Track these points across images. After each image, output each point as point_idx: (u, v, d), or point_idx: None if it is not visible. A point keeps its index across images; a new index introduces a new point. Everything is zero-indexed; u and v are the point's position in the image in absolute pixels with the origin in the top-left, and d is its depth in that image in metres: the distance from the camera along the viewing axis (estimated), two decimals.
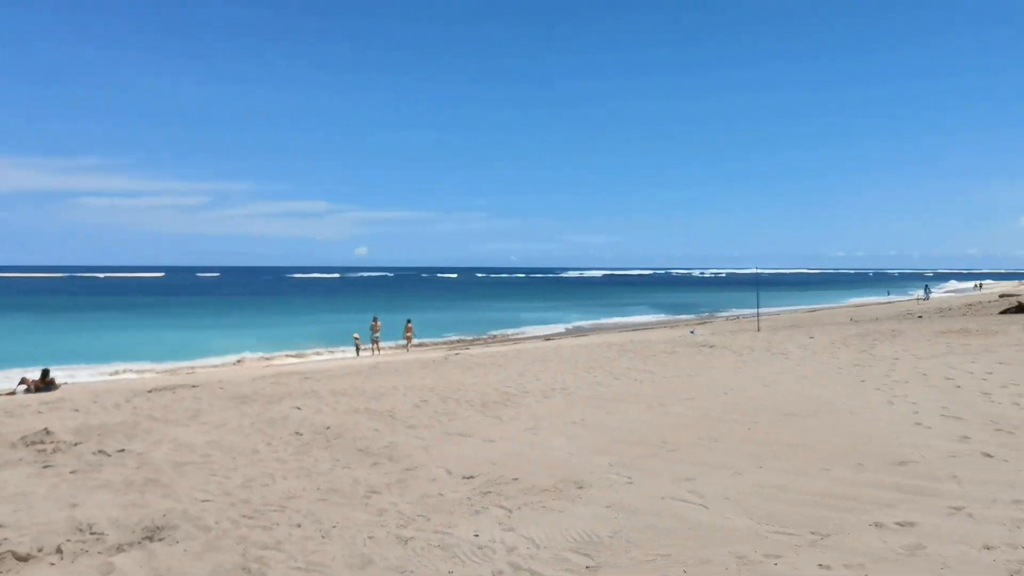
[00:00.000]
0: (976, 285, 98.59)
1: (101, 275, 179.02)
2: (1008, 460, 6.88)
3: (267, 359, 29.18)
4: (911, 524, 5.25)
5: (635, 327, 44.04)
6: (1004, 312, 30.02)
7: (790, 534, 5.14)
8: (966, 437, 7.81)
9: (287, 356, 30.35)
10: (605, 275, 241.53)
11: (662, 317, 53.98)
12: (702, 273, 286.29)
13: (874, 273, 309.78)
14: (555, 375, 13.25)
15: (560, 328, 45.23)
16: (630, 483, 6.41)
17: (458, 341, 36.93)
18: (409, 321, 33.85)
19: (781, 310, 57.39)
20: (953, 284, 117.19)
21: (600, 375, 12.99)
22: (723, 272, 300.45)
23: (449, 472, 6.96)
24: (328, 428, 9.04)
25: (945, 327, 21.62)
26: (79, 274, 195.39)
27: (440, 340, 37.46)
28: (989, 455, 7.08)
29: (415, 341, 33.97)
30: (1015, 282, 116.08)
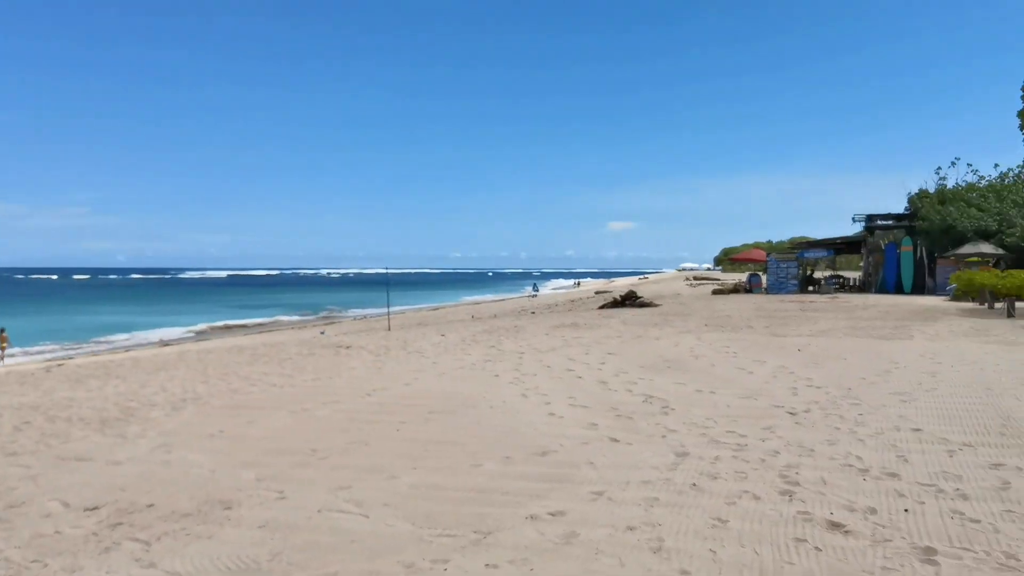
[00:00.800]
0: (575, 283, 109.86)
1: None
2: (632, 444, 7.54)
3: None
4: (562, 513, 5.47)
5: (264, 329, 42.53)
6: (602, 307, 33.74)
7: (453, 535, 5.09)
8: (594, 424, 8.45)
9: None
10: (230, 275, 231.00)
11: (292, 318, 52.75)
12: (329, 273, 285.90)
13: (493, 273, 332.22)
14: (184, 384, 12.15)
15: (181, 332, 42.21)
16: (283, 498, 5.97)
17: (62, 350, 32.81)
18: (3, 330, 29.49)
19: (407, 308, 59.08)
20: (557, 282, 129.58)
21: (235, 382, 12.16)
22: (351, 272, 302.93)
23: (66, 505, 5.94)
24: None
25: (558, 322, 23.66)
26: None
27: (38, 349, 33.00)
28: (616, 440, 7.71)
29: (10, 351, 29.67)
30: (604, 280, 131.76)
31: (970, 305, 29.31)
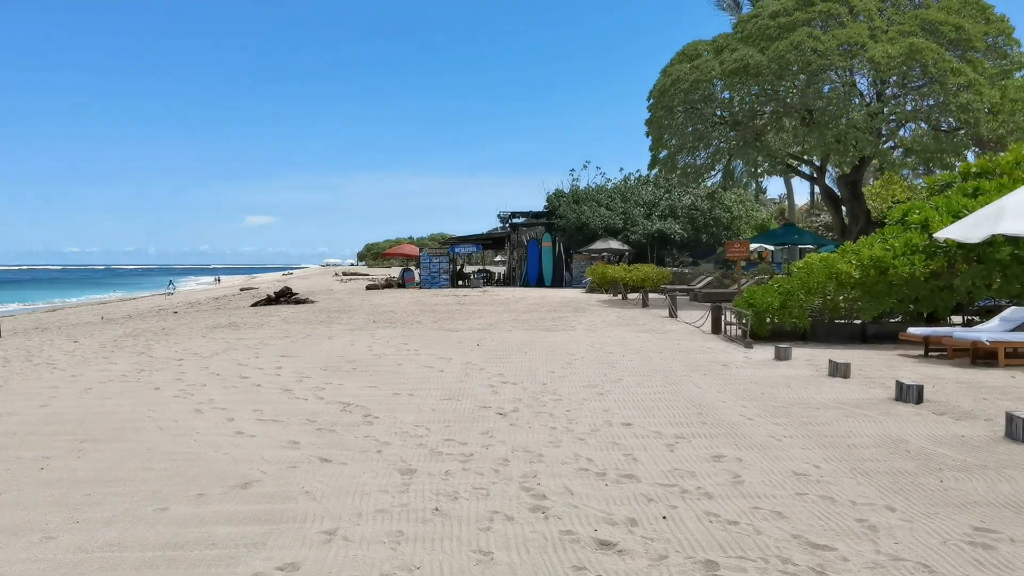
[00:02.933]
0: (216, 280, 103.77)
1: None
2: (347, 463, 6.58)
3: None
4: (293, 566, 4.38)
5: None
6: (256, 304, 31.70)
7: None
8: (294, 442, 7.33)
9: None
10: None
11: None
12: None
13: (106, 269, 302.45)
14: None
15: None
16: None
17: None
18: None
19: (16, 310, 51.31)
20: (194, 280, 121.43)
21: None
22: None
23: None
24: None
25: (212, 323, 21.57)
26: None
27: None
28: (327, 460, 6.69)
29: None
30: (245, 277, 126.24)
31: (606, 296, 31.92)
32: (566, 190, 45.07)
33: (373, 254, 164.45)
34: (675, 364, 12.28)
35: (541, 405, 9.00)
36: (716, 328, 17.04)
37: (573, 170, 50.29)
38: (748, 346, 14.35)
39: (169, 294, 63.50)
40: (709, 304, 26.11)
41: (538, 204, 48.67)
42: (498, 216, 45.79)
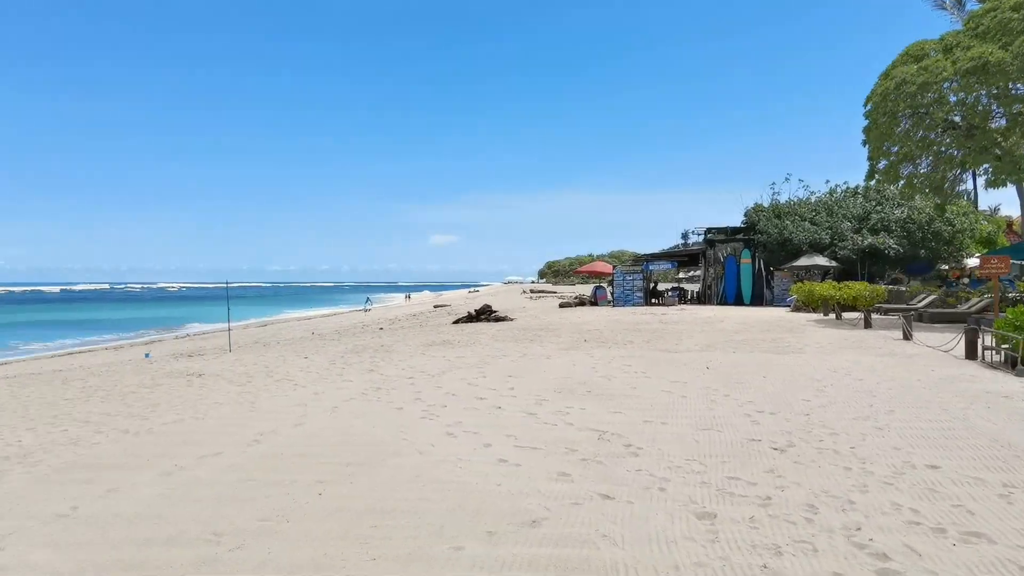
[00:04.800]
0: (406, 297, 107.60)
1: None
2: (632, 502, 6.02)
3: None
4: None
5: (74, 350, 37.85)
6: (457, 322, 32.18)
7: None
8: (564, 474, 6.87)
9: None
10: (7, 291, 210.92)
11: (108, 337, 47.59)
12: (125, 288, 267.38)
13: (303, 286, 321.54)
14: (1, 433, 9.48)
15: None
16: None
17: None
18: None
19: (233, 324, 55.05)
20: (384, 296, 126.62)
21: (72, 427, 9.59)
22: (173, 286, 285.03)
23: None
24: None
25: (426, 340, 21.86)
26: None
27: None
28: (608, 496, 6.16)
29: None
30: (433, 293, 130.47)
31: (815, 316, 30.03)
32: (765, 204, 43.15)
33: (554, 271, 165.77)
34: (944, 394, 10.96)
35: (817, 440, 8.11)
36: (971, 353, 15.33)
37: (774, 183, 48.18)
38: (1020, 374, 12.74)
39: (367, 310, 66.15)
40: (939, 325, 24.03)
41: (724, 219, 46.89)
42: (690, 232, 44.49)
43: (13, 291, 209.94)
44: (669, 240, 45.17)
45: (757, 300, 40.27)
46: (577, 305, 43.09)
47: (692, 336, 21.24)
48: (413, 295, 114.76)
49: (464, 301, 71.42)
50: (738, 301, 40.58)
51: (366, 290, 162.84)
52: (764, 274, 40.51)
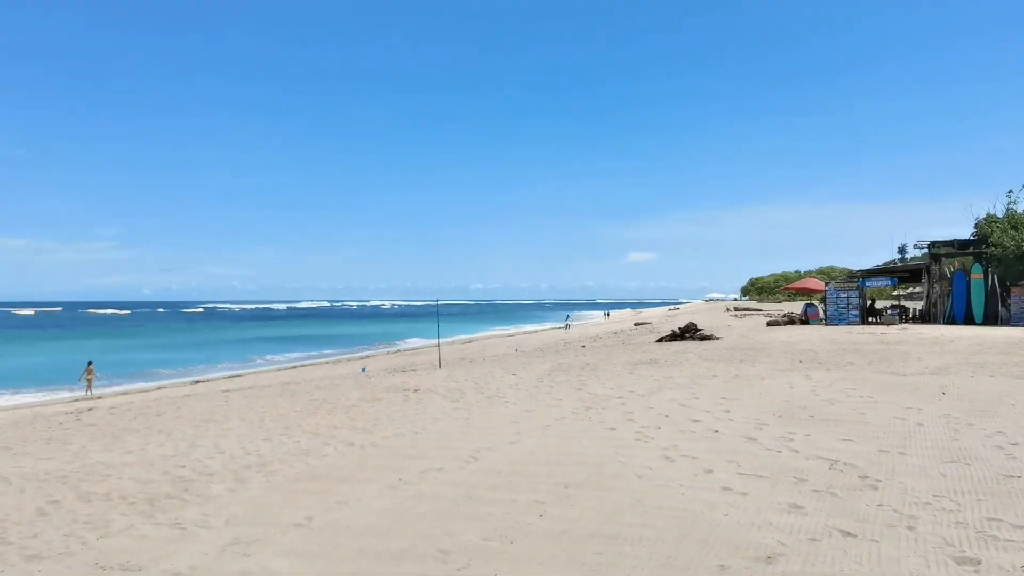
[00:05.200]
0: (605, 314, 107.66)
1: None
2: (877, 540, 5.49)
3: None
4: None
5: (297, 363, 40.65)
6: (661, 340, 31.64)
7: None
8: (797, 506, 6.40)
9: None
10: (243, 308, 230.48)
11: (327, 352, 50.77)
12: (359, 305, 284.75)
13: (512, 303, 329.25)
14: (242, 442, 10.16)
15: (217, 368, 40.29)
16: None
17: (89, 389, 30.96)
18: (90, 363, 29.07)
19: (438, 341, 57.07)
20: (583, 314, 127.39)
21: (302, 438, 10.17)
22: (385, 304, 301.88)
23: None
24: None
25: (631, 359, 21.59)
26: None
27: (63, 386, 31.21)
28: (849, 534, 5.66)
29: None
30: (632, 311, 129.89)
31: None
32: (999, 214, 39.48)
33: (758, 288, 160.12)
34: None
35: None
36: None
37: (1010, 191, 43.75)
38: None
39: (567, 328, 66.65)
40: None
41: (944, 231, 43.18)
42: (910, 246, 41.42)
43: (246, 308, 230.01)
44: (879, 256, 42.22)
45: (990, 319, 36.78)
46: (787, 323, 41.20)
47: (921, 358, 19.64)
48: (612, 312, 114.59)
49: (665, 319, 70.42)
50: (968, 320, 37.26)
51: (565, 308, 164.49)
52: (998, 291, 36.99)
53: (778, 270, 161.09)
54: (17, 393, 29.04)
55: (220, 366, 40.80)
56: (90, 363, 29.41)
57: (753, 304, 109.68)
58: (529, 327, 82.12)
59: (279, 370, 36.41)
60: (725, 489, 6.97)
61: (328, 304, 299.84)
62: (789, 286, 58.80)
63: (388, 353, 46.73)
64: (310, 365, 39.08)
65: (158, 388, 29.40)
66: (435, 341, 58.07)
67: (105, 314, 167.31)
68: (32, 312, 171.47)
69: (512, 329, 79.10)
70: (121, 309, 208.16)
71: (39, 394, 29.02)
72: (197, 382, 31.49)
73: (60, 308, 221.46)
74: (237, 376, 33.65)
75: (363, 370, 29.30)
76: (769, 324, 41.80)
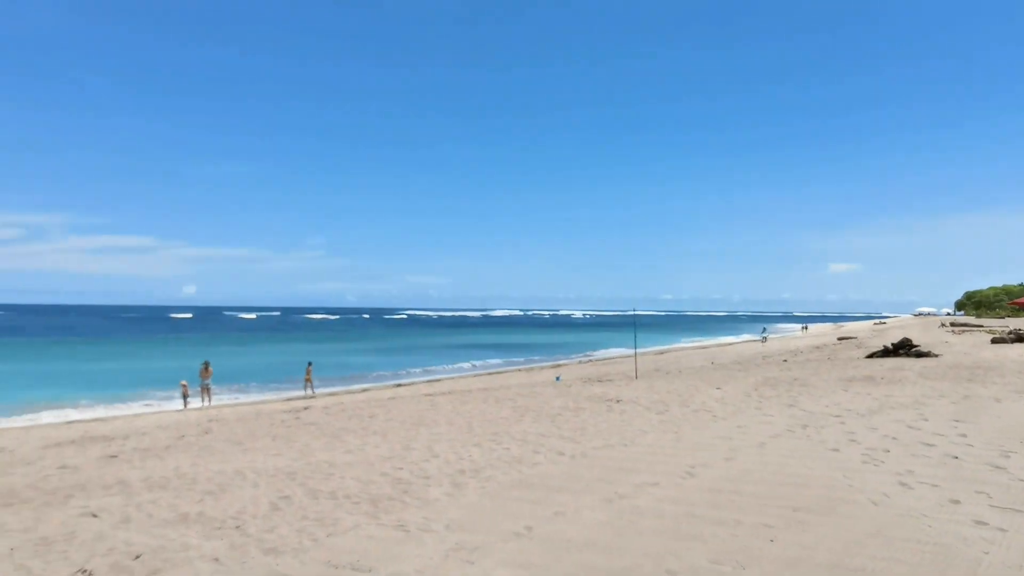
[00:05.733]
0: (803, 328, 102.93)
1: None
2: None
3: (69, 416, 24.24)
4: None
5: (493, 370, 41.54)
6: (871, 356, 29.70)
7: None
8: None
9: (92, 410, 25.61)
10: (440, 316, 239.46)
11: (513, 360, 51.60)
12: (549, 314, 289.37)
13: (704, 315, 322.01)
14: (453, 446, 10.36)
15: (413, 373, 41.93)
16: None
17: (300, 390, 33.03)
18: (310, 364, 30.95)
19: (631, 352, 56.52)
20: (779, 326, 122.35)
21: (512, 445, 10.22)
22: (577, 313, 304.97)
23: None
24: (138, 558, 5.79)
25: (843, 375, 20.35)
26: None
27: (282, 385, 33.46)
28: None
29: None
30: (832, 325, 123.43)
31: None
32: None
33: (975, 302, 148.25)
34: None
35: None
36: None
37: None
38: None
39: (763, 340, 64.21)
40: None
41: None
42: None
43: (443, 315, 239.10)
44: None
45: None
46: (1014, 340, 37.58)
47: None
48: (810, 326, 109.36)
49: (872, 333, 66.29)
50: None
51: (760, 320, 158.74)
52: None
53: (998, 283, 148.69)
54: (242, 391, 31.40)
55: (419, 370, 42.38)
56: (309, 364, 31.30)
57: (972, 319, 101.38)
58: (724, 339, 79.86)
59: (476, 376, 37.30)
60: (979, 523, 6.27)
61: (520, 313, 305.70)
62: (1014, 301, 53.72)
63: (580, 362, 46.77)
64: (505, 372, 39.76)
65: (363, 390, 30.84)
66: (626, 351, 57.73)
67: (316, 319, 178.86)
68: (254, 316, 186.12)
69: (706, 341, 77.21)
70: (331, 314, 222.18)
71: (265, 393, 31.24)
72: (399, 385, 32.79)
73: (278, 312, 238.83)
74: (436, 381, 34.77)
75: (557, 379, 29.39)
76: (994, 341, 38.25)
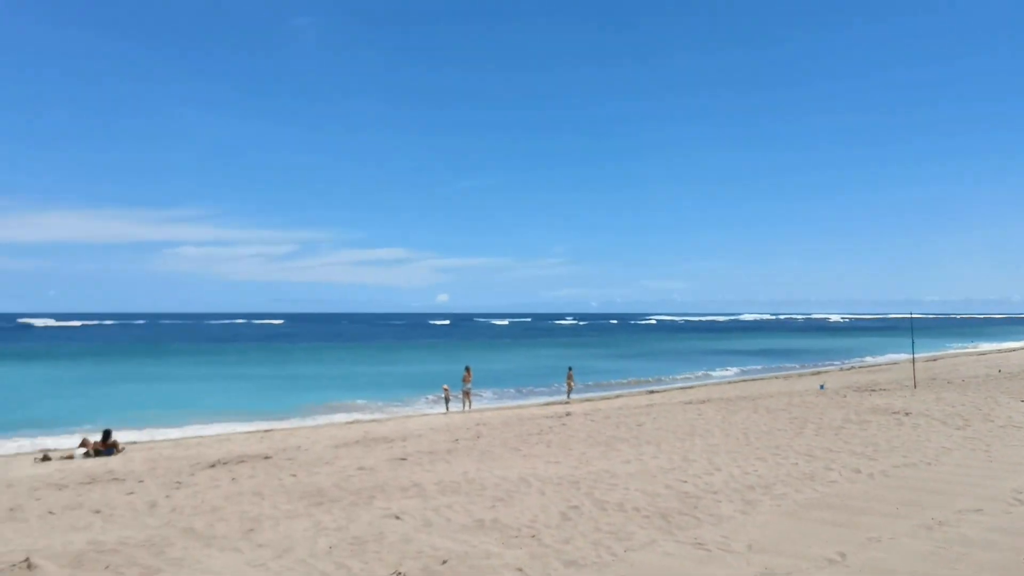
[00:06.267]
0: None
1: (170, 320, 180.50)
2: None
3: (347, 419, 26.22)
4: None
5: (754, 377, 40.11)
6: None
7: None
8: None
9: (369, 412, 27.54)
10: (687, 320, 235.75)
11: (768, 366, 49.50)
12: (809, 317, 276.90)
13: (983, 317, 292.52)
14: (735, 459, 9.95)
15: (673, 379, 41.41)
16: None
17: (548, 394, 33.64)
18: (571, 369, 31.88)
19: (887, 360, 52.36)
20: None
21: (798, 459, 9.66)
22: (815, 316, 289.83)
23: None
24: (445, 563, 5.96)
25: None
26: (164, 320, 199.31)
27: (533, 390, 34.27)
28: None
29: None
30: None
31: None
32: None
33: None
34: None
35: None
36: None
37: None
38: None
39: None
40: None
41: None
42: None
43: (690, 320, 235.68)
44: None
45: None
46: None
47: None
48: None
49: None
50: None
51: None
52: None
53: None
54: (499, 396, 32.52)
55: (670, 377, 41.78)
56: (570, 369, 31.85)
57: None
58: (1007, 344, 72.01)
59: (731, 383, 36.17)
60: None
61: (771, 317, 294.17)
62: None
63: (842, 369, 44.01)
64: (762, 379, 38.25)
65: (617, 396, 30.82)
66: (893, 358, 53.66)
67: (567, 324, 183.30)
68: (506, 322, 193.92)
69: (984, 346, 69.97)
70: (579, 320, 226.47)
71: (522, 398, 32.20)
72: (652, 392, 32.48)
73: (529, 319, 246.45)
74: (690, 388, 34.09)
75: (822, 387, 27.76)
76: None
